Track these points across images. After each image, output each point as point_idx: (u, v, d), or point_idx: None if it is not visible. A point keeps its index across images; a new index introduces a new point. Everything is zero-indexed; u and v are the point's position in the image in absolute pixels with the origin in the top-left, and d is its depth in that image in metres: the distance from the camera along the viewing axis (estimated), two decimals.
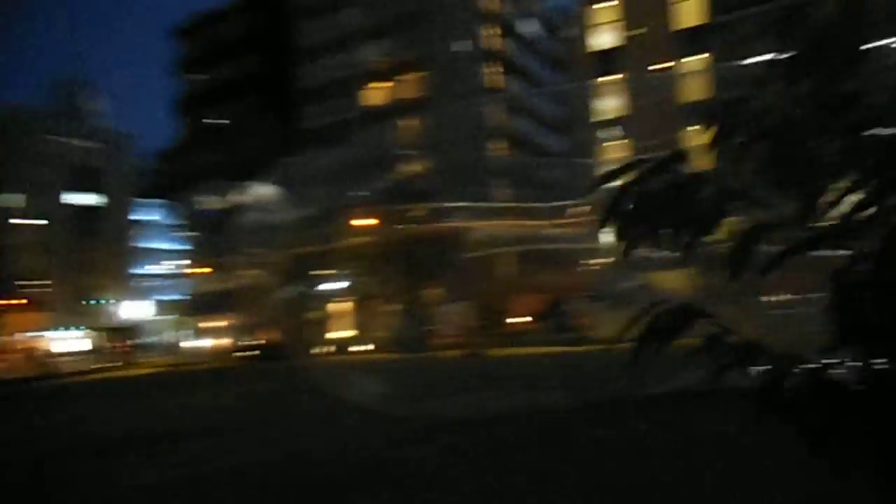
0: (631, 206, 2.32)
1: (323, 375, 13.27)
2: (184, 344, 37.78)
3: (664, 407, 9.20)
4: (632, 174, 2.35)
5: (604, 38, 37.63)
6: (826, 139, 1.86)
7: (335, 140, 37.60)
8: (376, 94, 44.22)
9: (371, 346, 25.47)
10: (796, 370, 1.39)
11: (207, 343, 34.55)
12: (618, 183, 2.30)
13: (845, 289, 1.38)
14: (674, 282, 24.90)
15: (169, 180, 52.61)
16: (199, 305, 36.32)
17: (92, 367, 34.15)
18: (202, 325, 37.02)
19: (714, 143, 2.28)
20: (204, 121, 51.02)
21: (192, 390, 17.67)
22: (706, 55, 31.77)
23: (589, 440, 7.56)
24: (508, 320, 27.17)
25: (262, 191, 25.09)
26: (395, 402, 10.74)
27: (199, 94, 52.22)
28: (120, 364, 35.21)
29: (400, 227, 27.46)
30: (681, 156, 2.27)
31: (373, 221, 27.69)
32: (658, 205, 2.10)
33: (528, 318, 26.63)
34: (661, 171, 2.24)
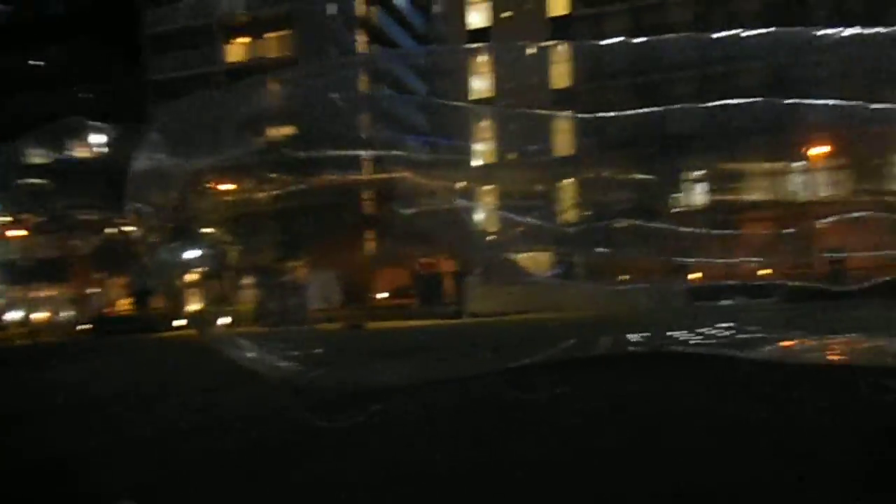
0: None
1: (204, 346, 12.22)
2: (9, 316, 32.88)
3: (572, 371, 9.65)
4: None
5: (475, 18, 38.31)
6: None
7: (191, 95, 34.48)
8: (237, 49, 41.22)
9: (236, 320, 23.98)
10: None
11: (41, 315, 30.34)
12: None
13: None
14: (537, 259, 26.31)
15: None
16: (26, 272, 31.78)
17: None
18: (32, 294, 32.44)
19: None
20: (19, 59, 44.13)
21: (55, 364, 15.59)
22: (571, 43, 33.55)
23: (520, 402, 7.69)
24: (381, 293, 27.00)
25: (111, 138, 22.38)
26: (297, 371, 10.16)
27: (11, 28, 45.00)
28: None
29: (268, 192, 25.93)
30: None
31: (238, 186, 25.89)
32: None
33: (403, 291, 26.66)
34: None
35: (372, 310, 24.25)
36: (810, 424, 5.75)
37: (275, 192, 26.42)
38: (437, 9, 55.08)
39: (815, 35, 12.81)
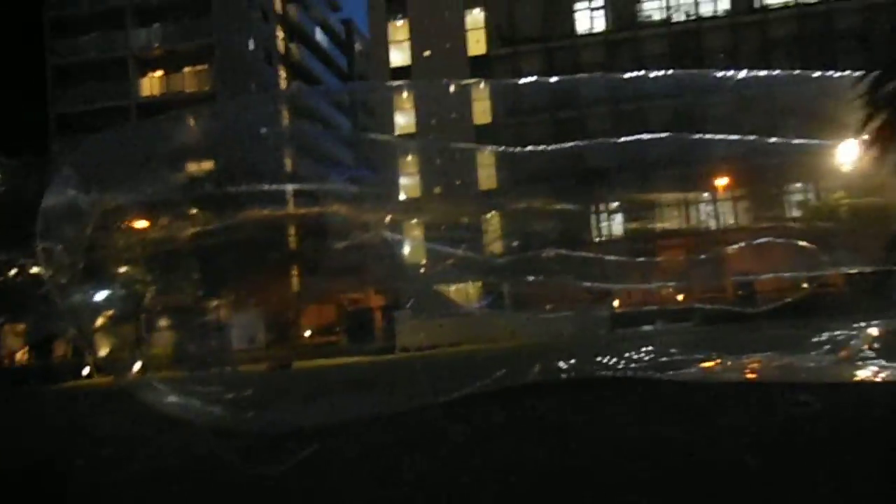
0: None
1: (115, 395, 11.42)
2: None
3: (504, 401, 9.70)
4: None
5: (397, 56, 38.94)
6: None
7: (102, 128, 32.94)
8: (151, 83, 39.89)
9: (151, 364, 22.60)
10: None
11: None
12: None
13: None
14: (463, 291, 26.52)
15: None
16: None
17: None
18: None
19: None
20: None
21: None
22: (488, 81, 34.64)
23: (455, 435, 7.62)
24: (308, 331, 26.30)
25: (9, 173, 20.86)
26: (223, 415, 9.67)
27: None
28: None
29: (184, 228, 24.90)
30: None
31: (156, 222, 24.73)
32: None
33: (331, 328, 26.07)
34: None
35: (299, 348, 23.55)
36: (732, 441, 5.99)
37: (195, 229, 25.45)
38: (359, 47, 55.68)
39: (715, 77, 13.81)
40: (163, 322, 25.08)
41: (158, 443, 8.18)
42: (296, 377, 17.63)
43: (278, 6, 46.56)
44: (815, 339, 10.87)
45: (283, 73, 46.77)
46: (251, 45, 42.54)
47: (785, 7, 30.41)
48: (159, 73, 40.01)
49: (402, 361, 19.02)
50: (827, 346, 10.16)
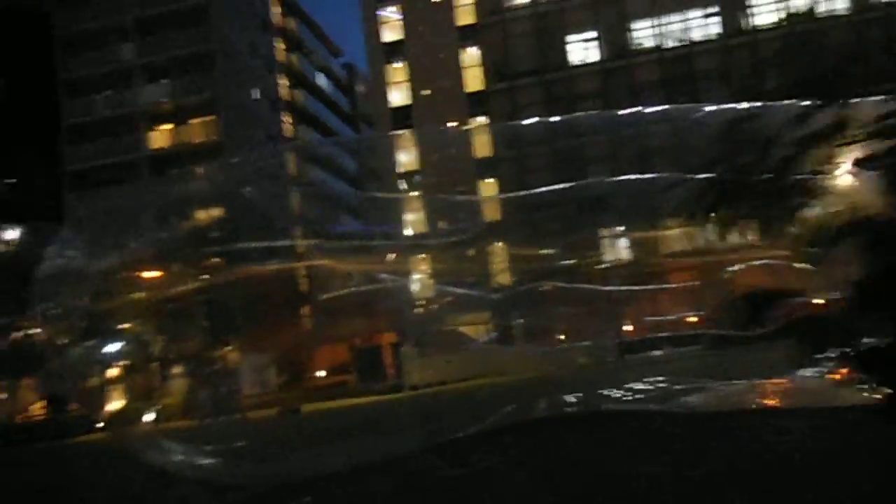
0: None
1: (125, 450, 11.50)
2: None
3: (507, 439, 9.65)
4: None
5: (397, 96, 39.74)
6: None
7: (114, 183, 33.80)
8: (161, 136, 40.95)
9: (162, 416, 22.74)
10: None
11: None
12: None
13: None
14: (473, 326, 26.50)
15: None
16: None
17: None
18: None
19: None
20: None
21: None
22: (488, 117, 35.22)
23: (452, 479, 7.60)
24: (319, 372, 26.34)
25: (23, 235, 21.40)
26: (225, 468, 9.73)
27: None
28: None
29: (194, 278, 25.27)
30: None
31: (164, 273, 25.14)
32: None
33: (341, 368, 26.10)
34: None
35: (309, 391, 23.59)
36: (724, 477, 5.95)
37: (203, 277, 25.83)
38: (362, 88, 56.85)
39: (709, 110, 13.90)
40: (174, 371, 25.30)
41: (154, 501, 8.25)
42: (303, 421, 17.63)
43: (282, 55, 47.86)
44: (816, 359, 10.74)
45: (288, 119, 47.83)
46: (256, 95, 43.64)
47: (777, 27, 30.72)
48: (168, 126, 41.10)
49: (410, 400, 18.99)
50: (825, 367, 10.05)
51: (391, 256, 22.86)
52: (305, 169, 45.23)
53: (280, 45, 47.24)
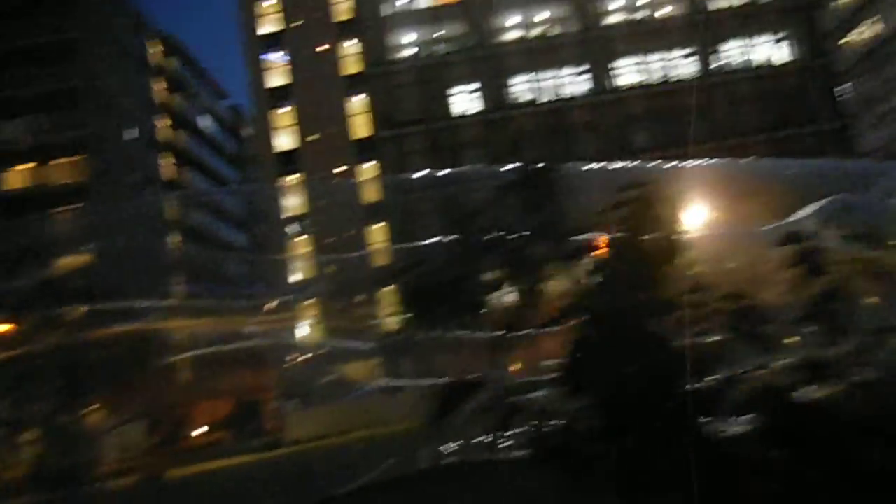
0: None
1: None
2: None
3: (386, 497, 9.37)
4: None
5: (284, 140, 39.24)
6: None
7: None
8: (16, 176, 37.71)
9: (2, 489, 20.19)
10: None
11: None
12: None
13: None
14: (362, 372, 26.00)
15: None
16: None
17: None
18: None
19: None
20: None
21: None
22: (376, 163, 35.55)
23: None
24: (192, 432, 24.53)
25: None
26: None
27: None
28: None
29: (50, 333, 23.01)
30: None
31: (13, 327, 22.71)
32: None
33: (217, 426, 24.49)
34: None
35: (180, 453, 21.86)
36: None
37: (60, 332, 23.63)
38: (247, 131, 55.66)
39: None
40: (20, 439, 22.63)
41: None
42: (163, 490, 16.25)
43: (163, 96, 46.05)
44: None
45: (169, 161, 45.75)
46: (134, 135, 41.51)
47: (640, 86, 33.61)
48: (27, 165, 38.00)
49: (288, 457, 18.11)
50: None
51: (272, 306, 22.11)
52: (187, 213, 43.23)
53: (160, 86, 45.49)
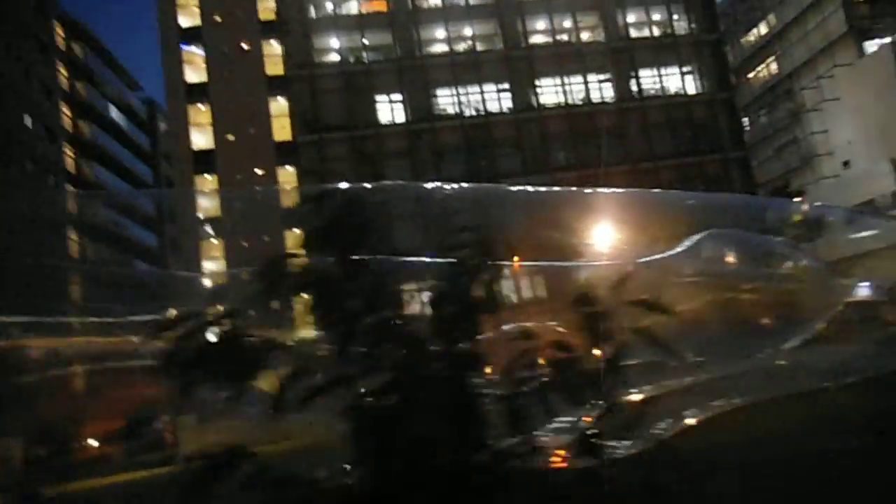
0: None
1: None
2: None
3: None
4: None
5: (200, 139, 37.63)
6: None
7: None
8: None
9: None
10: None
11: None
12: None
13: None
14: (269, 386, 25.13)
15: None
16: None
17: None
18: None
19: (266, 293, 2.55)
20: None
21: None
22: (295, 167, 34.73)
23: None
24: (79, 447, 22.84)
25: None
26: None
27: None
28: None
29: None
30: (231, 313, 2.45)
31: None
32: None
33: (108, 441, 22.91)
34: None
35: (64, 469, 20.31)
36: None
37: None
38: (163, 127, 53.14)
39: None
40: None
41: None
42: None
43: (65, 83, 43.16)
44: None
45: (70, 151, 42.86)
46: (27, 122, 38.61)
47: (558, 106, 34.57)
48: None
49: (180, 473, 17.16)
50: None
51: (172, 316, 20.95)
52: (90, 211, 40.63)
53: (63, 72, 42.66)
